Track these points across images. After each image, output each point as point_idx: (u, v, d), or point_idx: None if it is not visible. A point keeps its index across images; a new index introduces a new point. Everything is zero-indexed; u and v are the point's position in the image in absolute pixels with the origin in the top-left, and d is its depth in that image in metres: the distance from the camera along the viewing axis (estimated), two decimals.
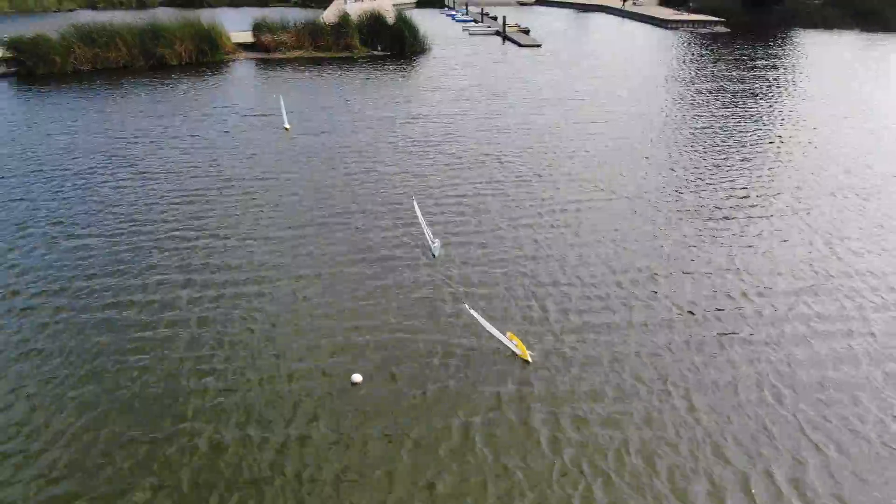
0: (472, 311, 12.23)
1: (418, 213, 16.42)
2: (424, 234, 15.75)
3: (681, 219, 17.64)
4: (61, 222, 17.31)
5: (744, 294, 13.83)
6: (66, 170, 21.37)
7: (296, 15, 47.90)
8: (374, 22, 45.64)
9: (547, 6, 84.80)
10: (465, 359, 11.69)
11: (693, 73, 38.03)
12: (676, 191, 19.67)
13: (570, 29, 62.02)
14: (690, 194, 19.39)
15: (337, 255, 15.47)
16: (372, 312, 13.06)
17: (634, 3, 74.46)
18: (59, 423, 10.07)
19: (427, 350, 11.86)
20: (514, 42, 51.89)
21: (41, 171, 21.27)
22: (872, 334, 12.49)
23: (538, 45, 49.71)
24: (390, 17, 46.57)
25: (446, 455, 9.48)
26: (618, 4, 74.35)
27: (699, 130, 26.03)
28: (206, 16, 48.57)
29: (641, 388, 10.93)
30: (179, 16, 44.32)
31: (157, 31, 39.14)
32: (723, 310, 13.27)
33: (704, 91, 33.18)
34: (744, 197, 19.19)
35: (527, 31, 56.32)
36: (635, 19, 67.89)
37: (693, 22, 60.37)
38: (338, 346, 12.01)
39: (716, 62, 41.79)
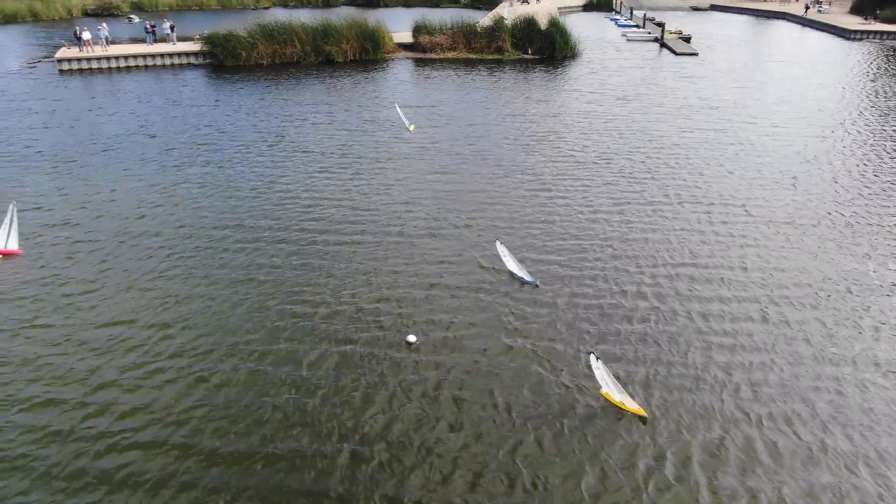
0: (596, 360, 11.09)
1: (505, 253, 15.55)
2: (514, 271, 15.34)
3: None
4: (216, 182, 21.58)
5: None
6: (235, 142, 25.97)
7: (465, 16, 50.76)
8: (526, 26, 47.28)
9: (724, 12, 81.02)
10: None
11: (861, 89, 35.56)
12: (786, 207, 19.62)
13: (742, 37, 59.31)
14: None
15: (419, 228, 17.81)
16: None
17: (819, 11, 69.28)
18: (187, 317, 13.47)
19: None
20: (670, 49, 51.06)
21: (217, 142, 25.98)
22: None
23: (694, 54, 48.57)
24: (544, 22, 47.94)
25: None
26: (801, 11, 69.59)
27: (843, 151, 25.06)
28: (377, 16, 53.15)
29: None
30: (353, 15, 48.87)
31: (327, 30, 43.73)
32: None
33: (869, 108, 31.28)
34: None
35: (687, 39, 54.93)
36: (817, 28, 63.38)
37: (881, 33, 55.41)
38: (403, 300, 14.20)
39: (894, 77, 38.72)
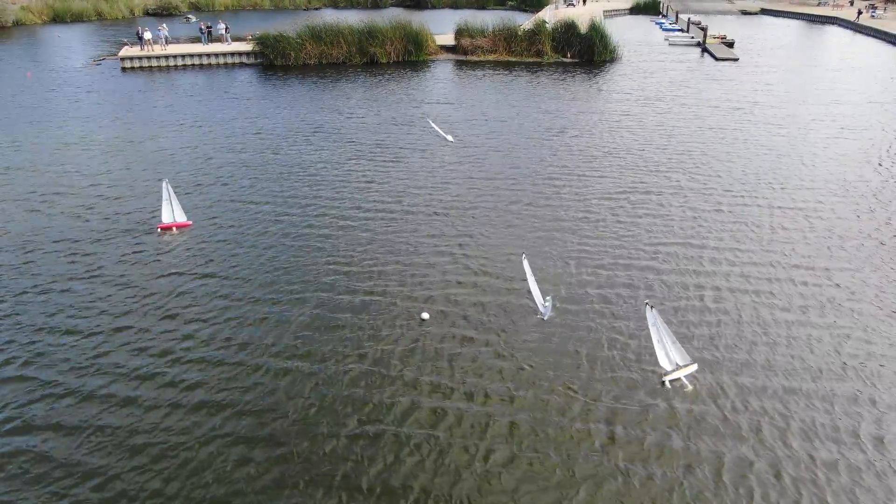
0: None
1: (528, 271, 14.53)
2: (533, 294, 14.52)
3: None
4: (260, 165, 24.37)
5: None
6: (280, 135, 28.59)
7: (510, 18, 52.06)
8: (566, 29, 48.14)
9: (774, 16, 79.91)
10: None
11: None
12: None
13: (789, 42, 58.81)
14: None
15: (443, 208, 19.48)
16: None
17: (873, 16, 67.82)
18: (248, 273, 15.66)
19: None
20: (710, 54, 51.17)
21: (268, 133, 28.74)
22: None
23: (735, 59, 48.63)
24: (584, 26, 48.65)
25: None
26: (853, 17, 68.24)
27: (849, 155, 25.59)
28: (423, 18, 54.71)
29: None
30: (401, 17, 50.61)
31: (372, 32, 45.46)
32: None
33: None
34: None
35: (731, 44, 54.83)
36: (868, 34, 62.21)
37: None
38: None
39: None
